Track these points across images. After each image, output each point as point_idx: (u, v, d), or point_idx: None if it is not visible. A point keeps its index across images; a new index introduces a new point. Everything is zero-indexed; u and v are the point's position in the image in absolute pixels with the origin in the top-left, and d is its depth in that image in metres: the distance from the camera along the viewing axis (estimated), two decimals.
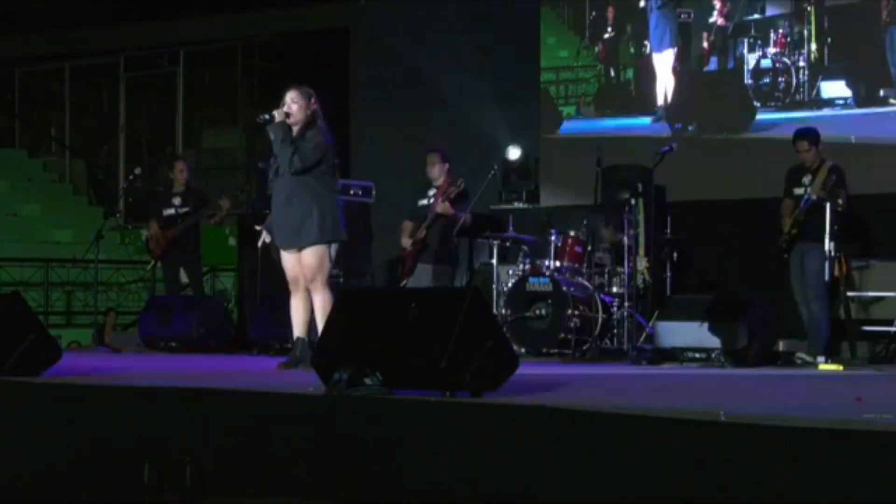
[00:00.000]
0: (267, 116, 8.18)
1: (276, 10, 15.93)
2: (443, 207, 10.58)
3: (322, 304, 8.08)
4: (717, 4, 12.19)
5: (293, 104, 8.17)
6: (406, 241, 10.78)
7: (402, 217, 11.04)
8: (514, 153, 12.99)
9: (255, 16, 16.21)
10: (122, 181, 17.25)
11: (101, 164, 18.69)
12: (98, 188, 18.51)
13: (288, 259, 8.29)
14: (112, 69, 18.31)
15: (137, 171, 14.19)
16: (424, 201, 10.84)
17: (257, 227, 8.46)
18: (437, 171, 10.79)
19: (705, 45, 12.27)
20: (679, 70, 12.40)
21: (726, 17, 12.14)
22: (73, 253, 14.70)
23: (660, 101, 12.51)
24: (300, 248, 8.19)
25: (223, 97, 18.07)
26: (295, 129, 8.18)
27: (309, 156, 8.10)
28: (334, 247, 8.27)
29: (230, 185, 16.36)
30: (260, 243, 9.11)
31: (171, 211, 12.12)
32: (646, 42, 12.63)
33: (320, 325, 7.66)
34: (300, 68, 16.22)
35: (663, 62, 12.45)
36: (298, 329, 8.32)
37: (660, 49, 12.47)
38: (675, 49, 12.41)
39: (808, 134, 9.96)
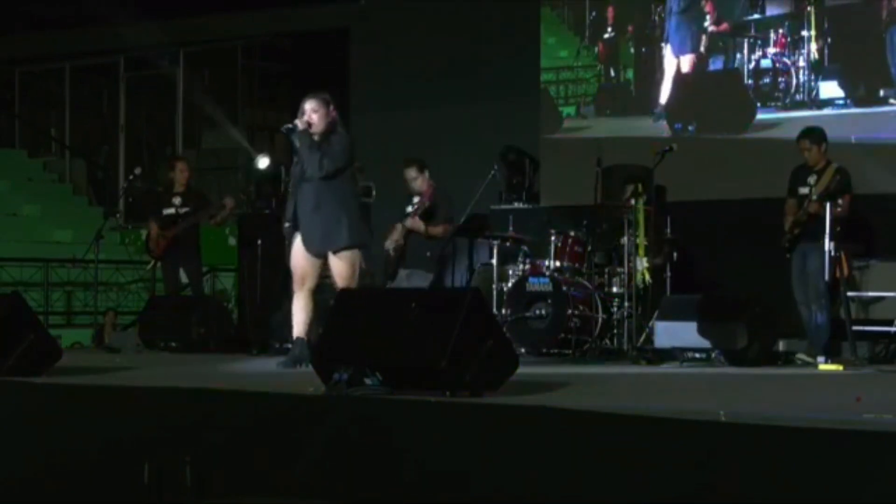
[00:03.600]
0: (290, 126, 8.18)
1: (276, 10, 15.91)
2: (413, 223, 10.78)
3: None
4: (709, 8, 12.17)
5: (313, 114, 8.16)
6: (389, 243, 10.91)
7: (403, 217, 11.09)
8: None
9: (255, 16, 16.19)
10: (122, 181, 17.24)
11: (101, 164, 18.68)
12: (98, 188, 18.50)
13: (301, 258, 8.28)
14: (112, 69, 18.30)
15: (137, 171, 14.19)
16: (409, 208, 11.00)
17: (286, 224, 8.36)
18: (419, 183, 10.88)
19: (704, 46, 12.24)
20: (684, 71, 12.36)
21: (721, 18, 12.11)
22: (73, 253, 14.68)
23: (660, 101, 12.49)
24: (333, 253, 8.19)
25: (223, 97, 18.05)
26: (317, 137, 8.19)
27: (339, 157, 8.13)
28: (360, 252, 8.34)
29: (230, 185, 16.38)
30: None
31: (171, 211, 12.11)
32: (643, 43, 12.61)
33: None
34: (300, 68, 16.22)
35: (680, 65, 12.36)
36: (299, 329, 8.32)
37: (681, 52, 12.35)
38: (696, 54, 12.30)
39: (809, 133, 9.97)
